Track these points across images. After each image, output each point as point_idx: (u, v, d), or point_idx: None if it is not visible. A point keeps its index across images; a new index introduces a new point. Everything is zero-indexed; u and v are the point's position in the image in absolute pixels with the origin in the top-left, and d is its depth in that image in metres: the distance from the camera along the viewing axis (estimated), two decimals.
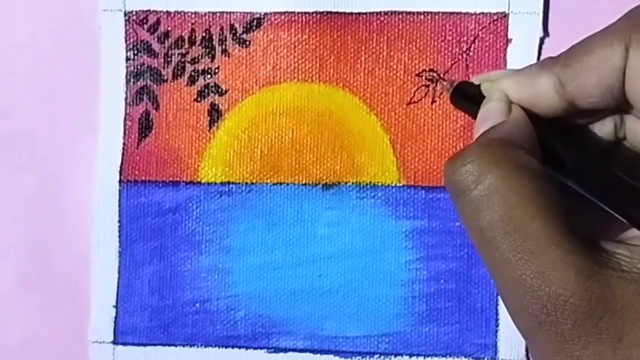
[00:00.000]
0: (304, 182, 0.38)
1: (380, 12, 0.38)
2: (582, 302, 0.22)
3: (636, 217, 0.25)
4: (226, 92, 0.39)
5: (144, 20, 0.39)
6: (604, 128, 0.28)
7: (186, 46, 0.39)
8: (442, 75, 0.38)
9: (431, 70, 0.38)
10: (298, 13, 0.38)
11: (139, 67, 0.39)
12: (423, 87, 0.38)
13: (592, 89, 0.26)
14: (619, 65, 0.25)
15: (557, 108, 0.27)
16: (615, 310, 0.22)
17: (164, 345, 0.39)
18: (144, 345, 0.39)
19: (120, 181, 0.39)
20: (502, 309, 0.37)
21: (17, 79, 0.40)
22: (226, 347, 0.39)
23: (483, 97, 0.29)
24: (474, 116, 0.29)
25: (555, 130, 0.28)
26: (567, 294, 0.22)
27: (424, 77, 0.38)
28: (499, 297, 0.37)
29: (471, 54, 0.37)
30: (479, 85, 0.29)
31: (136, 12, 0.39)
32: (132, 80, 0.39)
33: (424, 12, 0.38)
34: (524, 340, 0.37)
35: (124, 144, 0.39)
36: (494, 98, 0.28)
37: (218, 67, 0.39)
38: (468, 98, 0.30)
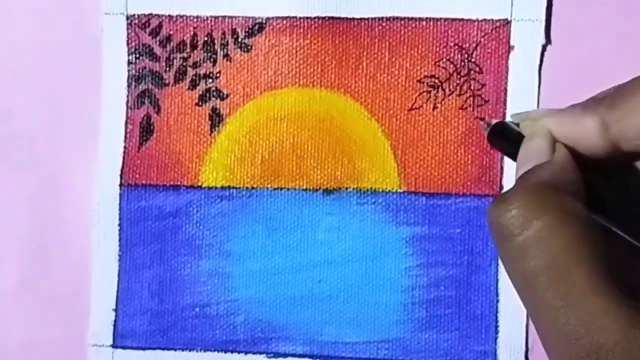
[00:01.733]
0: (304, 187, 0.38)
1: (383, 18, 0.38)
2: (624, 353, 0.22)
3: None
4: (227, 96, 0.39)
5: (146, 24, 0.39)
6: None
7: (188, 50, 0.39)
8: (441, 85, 0.38)
9: (433, 76, 0.38)
10: (300, 18, 0.38)
11: (140, 71, 0.39)
12: (424, 94, 0.38)
13: (637, 132, 0.25)
14: None
15: (601, 149, 0.26)
16: None
17: (163, 349, 0.39)
18: (143, 349, 0.39)
19: (120, 185, 0.39)
20: (501, 316, 0.37)
21: (19, 82, 0.40)
22: (225, 351, 0.39)
23: (521, 136, 0.28)
24: (513, 157, 0.28)
25: (598, 171, 0.27)
26: (610, 343, 0.22)
27: (425, 84, 0.38)
28: (499, 305, 0.37)
29: (473, 60, 0.37)
30: (516, 124, 0.28)
31: (138, 15, 0.39)
32: (133, 83, 0.39)
33: (426, 18, 0.38)
34: (524, 346, 0.37)
35: (124, 147, 0.39)
36: (537, 135, 0.27)
37: (219, 72, 0.39)
38: (506, 138, 0.29)
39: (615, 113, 0.26)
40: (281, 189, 0.38)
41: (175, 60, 0.39)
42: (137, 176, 0.39)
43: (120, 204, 0.39)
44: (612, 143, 0.26)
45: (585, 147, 0.27)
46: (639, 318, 0.22)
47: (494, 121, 0.29)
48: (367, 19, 0.38)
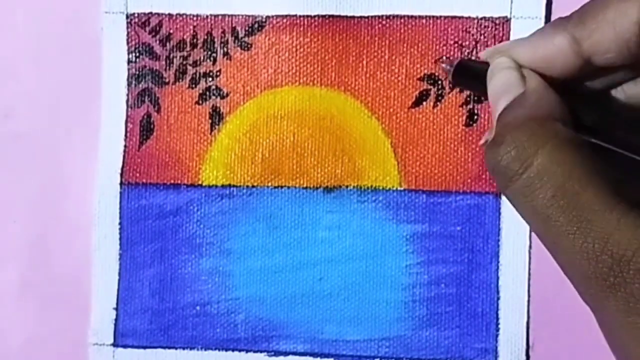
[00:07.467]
0: (305, 185, 0.38)
1: (382, 16, 0.38)
2: None
3: None
4: (228, 95, 0.39)
5: (146, 23, 0.39)
6: (617, 93, 0.28)
7: (188, 49, 0.39)
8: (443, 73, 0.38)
9: (433, 74, 0.38)
10: (300, 16, 0.38)
11: (140, 70, 0.39)
12: (424, 91, 0.38)
13: (608, 45, 0.26)
14: (635, 19, 0.25)
15: (573, 67, 0.27)
16: None
17: (164, 347, 0.39)
18: (144, 347, 0.39)
19: (121, 183, 0.39)
20: (502, 313, 0.37)
21: (19, 81, 0.40)
22: (226, 350, 0.39)
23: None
24: (482, 93, 0.28)
25: (573, 96, 0.27)
26: (629, 253, 0.22)
27: (425, 82, 0.38)
28: (500, 302, 0.37)
29: (473, 58, 0.37)
30: (481, 62, 0.28)
31: (138, 14, 0.39)
32: (133, 82, 0.39)
33: (426, 16, 0.38)
34: (524, 344, 0.37)
35: (125, 146, 0.39)
36: (502, 66, 0.27)
37: (220, 70, 0.39)
38: (472, 75, 0.28)
39: (586, 28, 0.26)
40: (281, 187, 0.38)
41: (175, 59, 0.39)
42: (138, 175, 0.39)
43: (120, 202, 0.39)
44: (585, 59, 0.26)
45: (558, 67, 0.27)
46: None
47: (457, 60, 0.29)
48: (367, 17, 0.38)
